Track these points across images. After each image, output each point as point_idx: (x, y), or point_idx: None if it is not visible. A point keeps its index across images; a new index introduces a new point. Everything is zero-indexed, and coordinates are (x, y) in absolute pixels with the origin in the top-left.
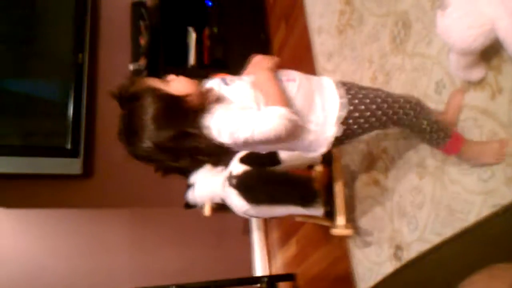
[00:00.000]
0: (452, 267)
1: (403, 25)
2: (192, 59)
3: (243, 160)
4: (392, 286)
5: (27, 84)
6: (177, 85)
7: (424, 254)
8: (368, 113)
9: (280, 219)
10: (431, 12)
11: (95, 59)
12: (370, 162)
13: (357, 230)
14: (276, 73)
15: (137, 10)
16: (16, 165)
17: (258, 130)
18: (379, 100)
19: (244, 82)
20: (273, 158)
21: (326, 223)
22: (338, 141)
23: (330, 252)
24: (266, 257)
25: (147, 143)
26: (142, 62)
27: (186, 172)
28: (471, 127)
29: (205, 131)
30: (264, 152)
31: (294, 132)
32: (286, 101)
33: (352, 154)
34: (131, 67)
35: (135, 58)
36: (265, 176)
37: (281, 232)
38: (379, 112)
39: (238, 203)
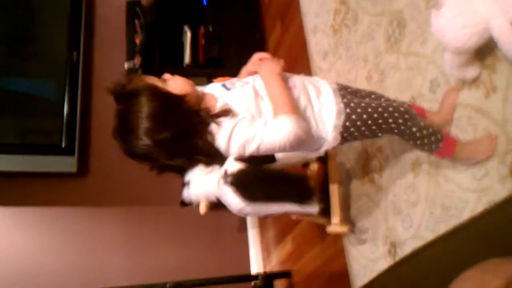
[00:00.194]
0: (446, 264)
1: (398, 24)
2: (187, 58)
3: (238, 158)
4: (386, 283)
5: (22, 82)
6: (175, 84)
7: (418, 251)
8: (359, 123)
9: (276, 217)
10: (426, 11)
11: (90, 58)
12: (365, 160)
13: (352, 228)
14: (285, 79)
15: (132, 9)
16: (11, 163)
17: (267, 143)
18: (369, 109)
19: (245, 87)
20: (268, 156)
21: (321, 221)
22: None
23: (325, 250)
24: (262, 255)
25: (143, 141)
26: (137, 60)
27: (181, 171)
28: (465, 126)
29: (209, 137)
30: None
31: (306, 139)
32: (296, 108)
33: (347, 153)
34: (126, 65)
35: (130, 57)
36: (261, 174)
37: (277, 230)
38: (370, 122)
39: (233, 201)
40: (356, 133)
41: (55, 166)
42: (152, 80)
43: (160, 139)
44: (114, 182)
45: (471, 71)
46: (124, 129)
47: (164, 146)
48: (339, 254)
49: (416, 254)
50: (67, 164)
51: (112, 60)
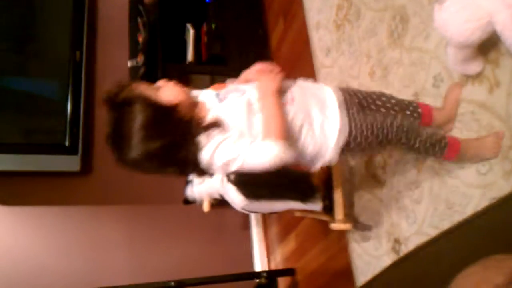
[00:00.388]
0: (449, 260)
1: (400, 19)
2: (190, 56)
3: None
4: (390, 279)
5: (25, 82)
6: (167, 92)
7: (422, 247)
8: (360, 139)
9: (279, 214)
10: (429, 6)
11: (93, 57)
12: (369, 157)
13: (355, 224)
14: (280, 95)
15: (135, 7)
16: (15, 162)
17: (250, 164)
18: (374, 130)
19: (240, 99)
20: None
21: (325, 217)
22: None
23: (329, 247)
24: (266, 252)
25: (135, 151)
26: (140, 59)
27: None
28: (469, 121)
29: (197, 148)
30: None
31: (287, 162)
32: (286, 134)
33: None
34: (129, 64)
35: (133, 55)
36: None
37: (280, 227)
38: (371, 140)
39: (237, 198)
40: (356, 149)
41: (58, 165)
42: (144, 88)
43: (151, 148)
44: (117, 181)
45: (475, 66)
46: (117, 138)
47: (155, 156)
48: (343, 251)
49: (420, 250)
50: (71, 163)
51: (115, 59)
